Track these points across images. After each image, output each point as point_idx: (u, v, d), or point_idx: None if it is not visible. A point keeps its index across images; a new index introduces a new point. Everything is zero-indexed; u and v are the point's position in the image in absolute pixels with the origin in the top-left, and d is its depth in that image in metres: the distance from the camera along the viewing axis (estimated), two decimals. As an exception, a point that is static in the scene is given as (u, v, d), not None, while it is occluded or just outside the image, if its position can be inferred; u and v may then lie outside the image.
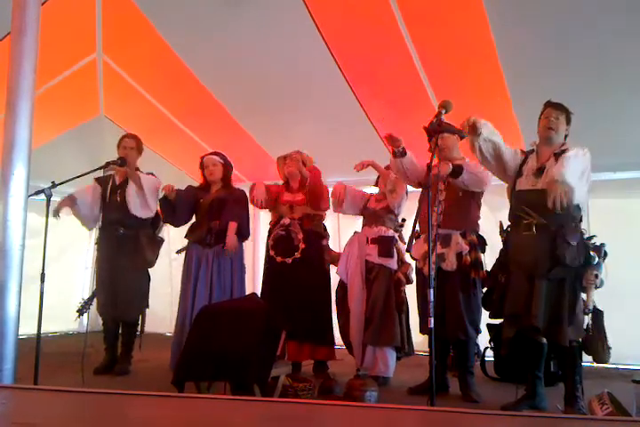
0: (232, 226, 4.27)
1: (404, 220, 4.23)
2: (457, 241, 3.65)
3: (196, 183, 4.69)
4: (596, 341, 3.18)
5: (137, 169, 4.49)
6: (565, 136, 3.36)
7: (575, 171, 3.06)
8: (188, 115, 5.63)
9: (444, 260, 3.61)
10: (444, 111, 3.05)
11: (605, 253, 3.25)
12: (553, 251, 3.13)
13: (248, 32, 4.45)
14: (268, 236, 4.47)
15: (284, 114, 5.16)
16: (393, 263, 4.06)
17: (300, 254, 4.25)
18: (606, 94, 4.17)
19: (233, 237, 4.26)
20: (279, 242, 4.34)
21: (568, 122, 3.36)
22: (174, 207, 4.36)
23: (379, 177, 4.34)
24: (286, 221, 4.34)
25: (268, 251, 4.42)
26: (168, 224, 4.63)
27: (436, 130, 3.66)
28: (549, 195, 2.95)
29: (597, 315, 3.22)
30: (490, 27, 3.89)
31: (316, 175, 4.35)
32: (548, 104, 3.37)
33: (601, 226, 4.25)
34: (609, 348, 3.22)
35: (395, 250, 4.09)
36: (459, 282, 3.62)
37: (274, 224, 4.47)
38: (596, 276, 3.18)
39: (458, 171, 3.58)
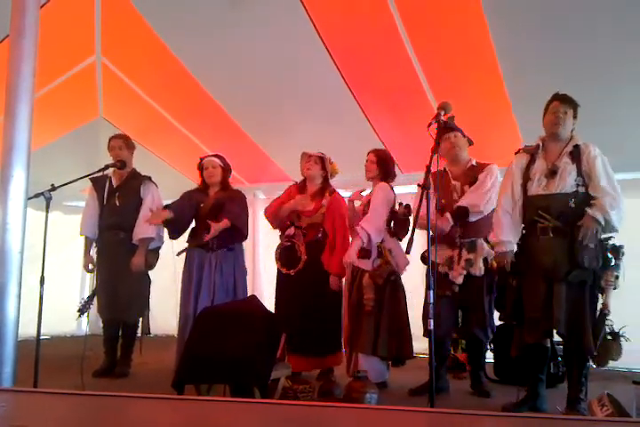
0: (224, 222, 4.11)
1: (403, 205, 4.00)
2: (482, 246, 3.69)
3: (194, 186, 4.67)
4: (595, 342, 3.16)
5: (133, 169, 4.49)
6: (572, 130, 3.30)
7: (615, 183, 3.17)
8: (187, 117, 5.64)
9: (471, 265, 3.65)
10: (442, 113, 3.04)
11: (623, 254, 3.22)
12: (572, 254, 3.10)
13: (247, 34, 4.45)
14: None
15: (283, 116, 5.16)
16: (368, 264, 3.92)
17: (303, 266, 4.19)
18: (607, 94, 4.17)
19: (217, 230, 4.09)
20: (283, 253, 4.30)
21: (575, 116, 3.28)
22: (174, 223, 4.33)
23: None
24: (291, 231, 4.29)
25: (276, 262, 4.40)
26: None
27: (447, 127, 3.69)
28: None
29: (603, 317, 3.20)
30: (489, 29, 3.90)
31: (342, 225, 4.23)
32: (556, 97, 3.28)
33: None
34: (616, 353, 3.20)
35: (376, 249, 3.92)
36: (485, 285, 3.69)
37: (281, 233, 4.41)
38: (617, 277, 3.17)
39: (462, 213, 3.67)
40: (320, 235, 4.26)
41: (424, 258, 3.66)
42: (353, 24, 4.23)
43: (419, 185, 2.86)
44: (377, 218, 3.93)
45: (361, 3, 4.13)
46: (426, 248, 3.71)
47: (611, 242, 3.22)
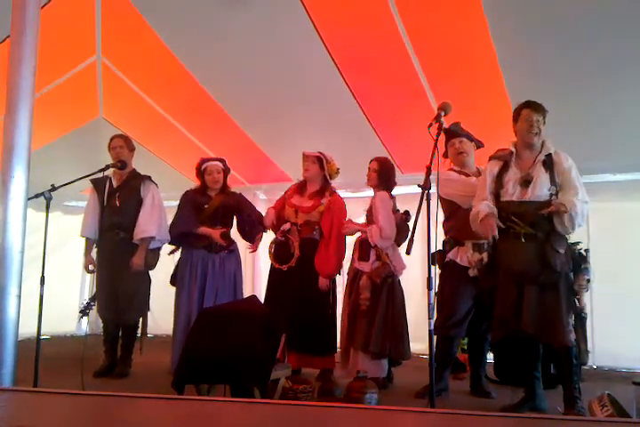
0: (260, 235, 4.46)
1: (401, 212, 4.12)
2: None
3: (194, 185, 4.67)
4: (579, 342, 3.22)
5: (133, 170, 4.49)
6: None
7: (583, 195, 3.18)
8: (187, 117, 5.64)
9: None
10: (443, 113, 3.04)
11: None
12: (543, 259, 3.15)
13: (247, 35, 4.45)
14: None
15: (283, 116, 5.16)
16: (367, 267, 3.99)
17: (295, 263, 4.19)
18: (606, 95, 4.17)
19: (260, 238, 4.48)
20: (277, 248, 4.33)
21: (544, 122, 3.32)
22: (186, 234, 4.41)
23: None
24: (286, 226, 4.28)
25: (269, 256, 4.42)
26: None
27: (451, 134, 3.69)
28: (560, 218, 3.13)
29: (582, 318, 3.25)
30: (488, 27, 3.89)
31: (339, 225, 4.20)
32: (528, 105, 3.30)
33: (601, 228, 4.25)
34: (588, 350, 3.29)
35: (373, 252, 3.99)
36: None
37: (277, 228, 4.41)
38: (588, 280, 3.22)
39: None
40: (315, 233, 4.26)
41: (438, 258, 3.74)
42: (353, 24, 4.22)
43: (419, 185, 2.85)
44: (384, 229, 3.95)
45: (361, 4, 4.13)
46: (439, 248, 3.78)
47: (578, 247, 3.29)
